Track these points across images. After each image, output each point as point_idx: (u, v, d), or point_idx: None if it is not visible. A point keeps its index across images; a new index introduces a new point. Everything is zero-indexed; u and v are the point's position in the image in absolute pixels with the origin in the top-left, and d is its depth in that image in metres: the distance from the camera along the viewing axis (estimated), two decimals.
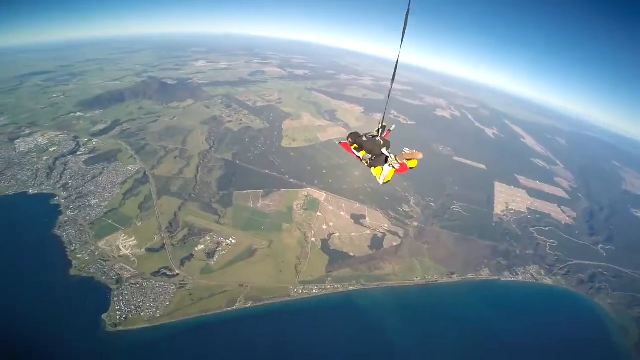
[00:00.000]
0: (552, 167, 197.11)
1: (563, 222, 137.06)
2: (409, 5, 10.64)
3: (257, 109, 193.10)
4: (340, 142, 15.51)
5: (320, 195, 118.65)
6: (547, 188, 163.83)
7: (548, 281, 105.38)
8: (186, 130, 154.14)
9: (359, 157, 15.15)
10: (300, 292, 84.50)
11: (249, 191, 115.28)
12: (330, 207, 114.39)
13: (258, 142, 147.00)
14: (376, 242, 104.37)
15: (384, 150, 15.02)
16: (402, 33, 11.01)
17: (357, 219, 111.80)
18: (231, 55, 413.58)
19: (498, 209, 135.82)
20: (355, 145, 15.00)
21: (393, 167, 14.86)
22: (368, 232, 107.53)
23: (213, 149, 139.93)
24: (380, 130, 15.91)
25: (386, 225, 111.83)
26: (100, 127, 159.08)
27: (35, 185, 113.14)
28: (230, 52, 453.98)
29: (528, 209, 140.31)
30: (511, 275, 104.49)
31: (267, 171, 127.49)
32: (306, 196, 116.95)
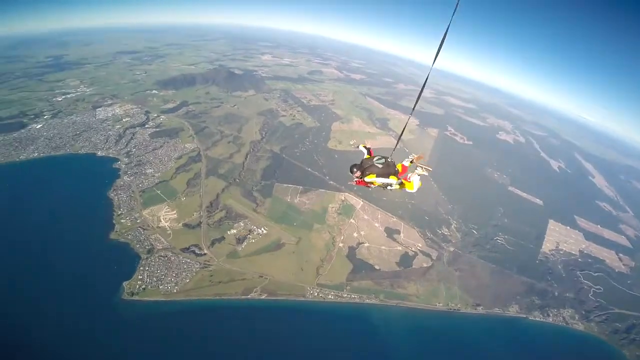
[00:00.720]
0: (619, 213, 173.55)
1: (617, 270, 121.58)
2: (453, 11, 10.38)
3: (310, 107, 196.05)
4: (356, 182, 16.01)
5: (357, 203, 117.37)
6: (608, 234, 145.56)
7: (580, 327, 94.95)
8: (243, 119, 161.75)
9: (371, 185, 15.72)
10: (316, 294, 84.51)
11: (289, 185, 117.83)
12: (365, 216, 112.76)
13: (306, 140, 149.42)
14: (406, 259, 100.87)
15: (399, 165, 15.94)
16: (440, 42, 10.76)
17: (391, 233, 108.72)
18: (294, 53, 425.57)
19: (546, 247, 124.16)
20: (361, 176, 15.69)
21: (423, 174, 16.05)
22: (399, 248, 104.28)
23: (264, 139, 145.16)
24: (386, 158, 16.02)
25: (420, 245, 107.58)
26: (170, 105, 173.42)
27: (104, 148, 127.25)
28: (294, 49, 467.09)
29: (580, 251, 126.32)
30: (541, 316, 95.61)
31: (309, 169, 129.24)
32: (343, 200, 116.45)
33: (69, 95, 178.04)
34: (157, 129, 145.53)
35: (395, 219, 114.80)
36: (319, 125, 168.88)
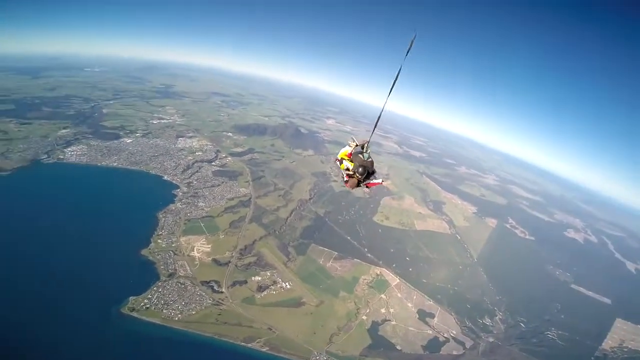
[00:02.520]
0: None
1: None
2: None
3: None
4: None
5: (393, 279, 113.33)
6: None
7: None
8: (297, 176, 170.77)
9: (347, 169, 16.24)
10: None
11: (325, 249, 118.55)
12: (399, 294, 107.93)
13: (352, 209, 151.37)
14: (434, 344, 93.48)
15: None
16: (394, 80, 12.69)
17: (424, 315, 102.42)
18: (356, 121, 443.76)
19: (608, 344, 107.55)
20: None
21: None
22: (429, 332, 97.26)
23: (312, 200, 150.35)
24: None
25: (454, 332, 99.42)
26: (238, 149, 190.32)
27: (171, 174, 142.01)
28: (356, 117, 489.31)
29: None
30: None
31: (349, 237, 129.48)
32: (377, 275, 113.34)
33: (162, 121, 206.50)
34: (221, 168, 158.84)
35: (431, 302, 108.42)
36: (368, 197, 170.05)
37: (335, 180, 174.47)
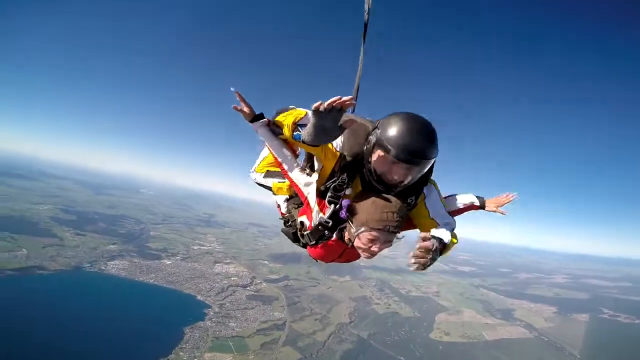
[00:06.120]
0: None
1: None
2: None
3: (409, 297, 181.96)
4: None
5: None
6: None
7: None
8: (335, 301, 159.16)
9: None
10: None
11: None
12: None
13: (401, 329, 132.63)
14: None
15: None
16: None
17: None
18: (395, 246, 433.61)
19: None
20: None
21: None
22: None
23: (352, 323, 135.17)
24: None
25: None
26: (274, 277, 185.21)
27: (205, 295, 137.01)
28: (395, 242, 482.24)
29: None
30: None
31: (402, 358, 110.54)
32: None
33: (202, 247, 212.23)
34: (255, 293, 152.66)
35: None
36: (419, 315, 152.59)
37: (378, 303, 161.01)
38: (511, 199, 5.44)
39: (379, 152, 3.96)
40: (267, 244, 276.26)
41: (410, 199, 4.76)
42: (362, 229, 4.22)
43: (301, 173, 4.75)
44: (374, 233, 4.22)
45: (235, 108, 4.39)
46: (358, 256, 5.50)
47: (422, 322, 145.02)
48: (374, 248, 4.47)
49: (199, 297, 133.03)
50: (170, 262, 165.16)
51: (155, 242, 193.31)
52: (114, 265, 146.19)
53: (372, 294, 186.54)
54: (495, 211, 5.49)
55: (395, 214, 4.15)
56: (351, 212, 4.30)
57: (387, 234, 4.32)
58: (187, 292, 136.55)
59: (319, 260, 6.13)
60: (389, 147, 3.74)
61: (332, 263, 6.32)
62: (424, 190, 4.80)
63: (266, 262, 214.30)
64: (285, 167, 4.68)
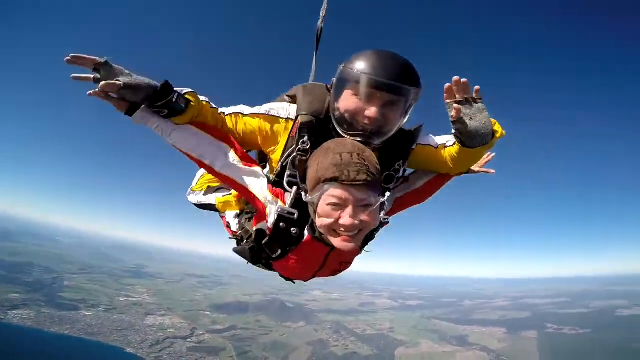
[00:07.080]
0: None
1: None
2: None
3: (365, 336, 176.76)
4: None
5: None
6: None
7: None
8: (291, 347, 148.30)
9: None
10: None
11: None
12: None
13: None
14: None
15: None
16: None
17: None
18: (343, 288, 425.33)
19: None
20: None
21: None
22: None
23: None
24: None
25: None
26: (218, 327, 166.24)
27: (136, 347, 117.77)
28: (342, 285, 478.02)
29: None
30: None
31: None
32: None
33: (130, 299, 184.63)
34: (198, 344, 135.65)
35: None
36: (378, 352, 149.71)
37: (335, 345, 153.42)
38: (490, 157, 4.40)
39: (348, 90, 2.94)
40: (208, 294, 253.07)
41: (397, 164, 3.30)
42: (317, 193, 2.54)
43: (242, 163, 3.07)
44: (333, 191, 2.44)
45: (80, 78, 2.94)
46: (349, 259, 3.85)
47: (383, 359, 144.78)
48: (344, 220, 2.45)
49: (128, 350, 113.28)
50: (90, 314, 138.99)
51: (70, 292, 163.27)
52: (17, 314, 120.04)
53: (328, 336, 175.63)
54: (481, 171, 4.44)
55: (354, 154, 2.50)
56: (303, 175, 2.93)
57: (352, 189, 2.41)
58: (113, 344, 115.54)
59: (296, 280, 4.83)
60: (361, 74, 2.79)
61: (317, 278, 4.28)
62: (414, 145, 3.40)
63: (208, 312, 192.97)
64: (218, 163, 3.09)
